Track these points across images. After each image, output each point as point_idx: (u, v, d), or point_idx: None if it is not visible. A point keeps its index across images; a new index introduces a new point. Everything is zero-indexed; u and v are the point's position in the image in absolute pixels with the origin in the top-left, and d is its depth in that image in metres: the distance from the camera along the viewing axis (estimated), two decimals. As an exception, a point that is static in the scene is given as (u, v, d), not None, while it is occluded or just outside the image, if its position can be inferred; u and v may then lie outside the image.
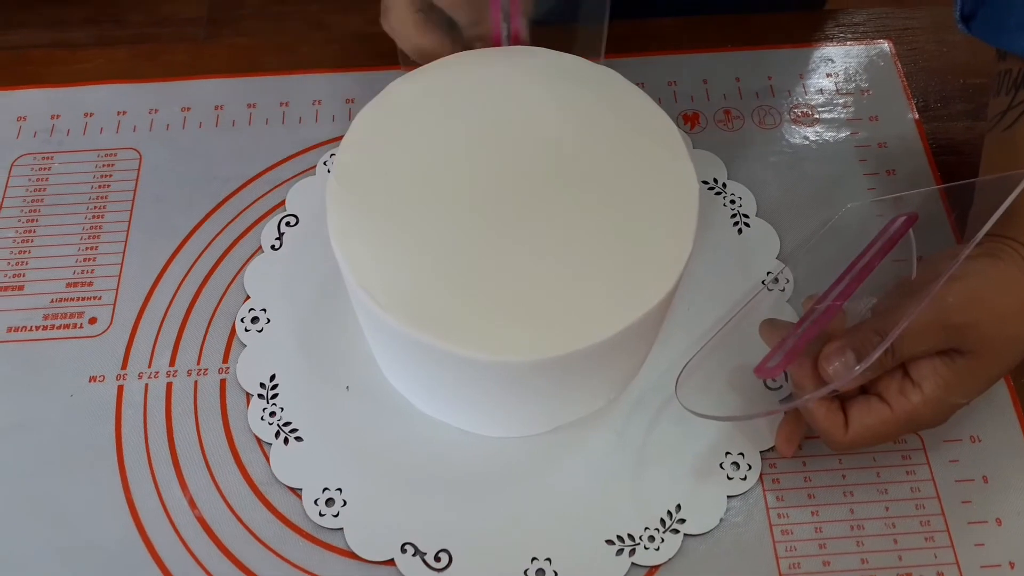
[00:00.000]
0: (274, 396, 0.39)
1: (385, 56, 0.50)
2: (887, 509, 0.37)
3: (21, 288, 0.43)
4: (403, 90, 0.37)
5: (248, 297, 0.42)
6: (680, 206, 0.34)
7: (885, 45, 0.50)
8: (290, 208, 0.44)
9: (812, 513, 0.37)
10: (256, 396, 0.39)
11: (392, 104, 0.36)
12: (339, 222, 0.33)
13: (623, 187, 0.34)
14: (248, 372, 0.40)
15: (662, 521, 0.37)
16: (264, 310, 0.41)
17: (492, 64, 0.37)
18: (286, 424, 0.39)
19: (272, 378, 0.40)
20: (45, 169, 0.46)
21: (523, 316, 0.31)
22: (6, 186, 0.46)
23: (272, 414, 0.39)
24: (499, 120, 0.36)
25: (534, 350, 0.31)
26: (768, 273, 0.43)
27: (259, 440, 0.39)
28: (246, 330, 0.41)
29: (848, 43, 0.50)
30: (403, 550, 0.36)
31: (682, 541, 0.36)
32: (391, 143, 0.35)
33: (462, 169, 0.34)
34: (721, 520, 0.37)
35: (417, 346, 0.31)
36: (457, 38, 0.38)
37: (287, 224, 0.44)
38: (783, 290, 0.42)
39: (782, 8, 0.51)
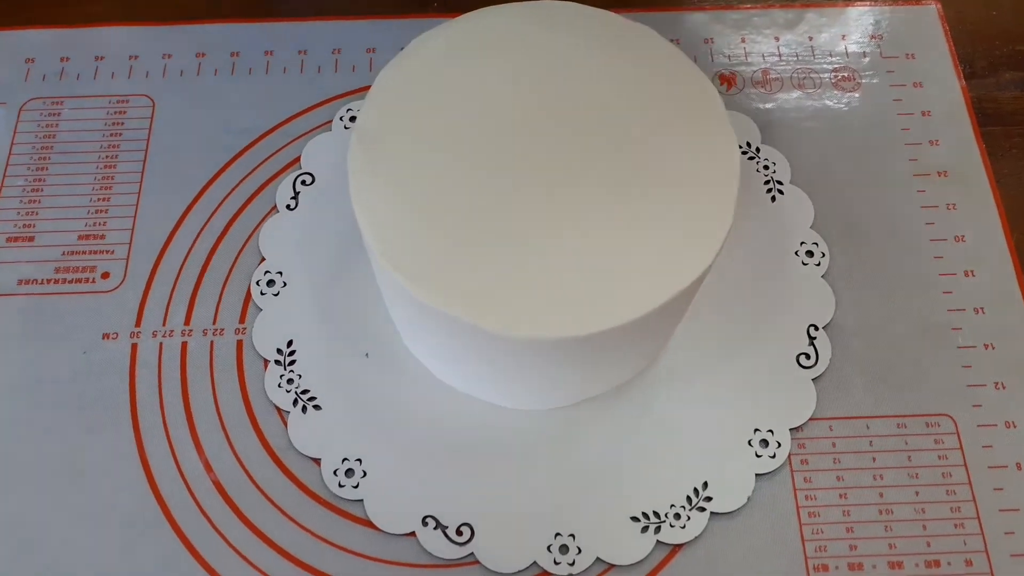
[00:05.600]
0: (291, 363, 0.38)
1: (408, 4, 0.48)
2: (917, 494, 0.36)
3: (32, 239, 0.42)
4: (427, 47, 0.35)
5: (263, 259, 0.41)
6: (719, 176, 0.32)
7: (933, 7, 0.47)
8: (305, 166, 0.43)
9: (840, 495, 0.36)
10: (273, 362, 0.38)
11: (416, 62, 0.34)
12: (362, 190, 0.31)
13: (659, 154, 0.32)
14: (264, 337, 0.39)
15: (688, 499, 0.36)
16: (280, 273, 0.40)
17: (520, 19, 0.35)
18: (304, 392, 0.38)
19: (289, 344, 0.39)
20: (55, 115, 0.45)
21: (554, 291, 0.30)
22: (15, 131, 0.44)
23: (290, 381, 0.38)
24: (529, 80, 0.34)
25: (565, 327, 0.30)
26: (802, 243, 0.41)
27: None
28: (262, 293, 0.40)
29: (894, 3, 0.48)
30: (424, 523, 0.35)
31: (708, 519, 0.36)
32: (415, 104, 0.33)
33: (489, 133, 0.33)
34: (748, 499, 0.36)
35: (442, 320, 0.30)
36: None
37: (302, 183, 0.42)
38: (818, 264, 0.41)
39: None
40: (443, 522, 0.35)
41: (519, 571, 0.35)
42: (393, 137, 0.33)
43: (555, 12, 0.35)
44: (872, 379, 0.39)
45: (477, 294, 0.30)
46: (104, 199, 0.43)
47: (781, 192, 0.42)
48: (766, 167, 0.43)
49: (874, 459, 0.37)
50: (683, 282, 0.30)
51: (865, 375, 0.39)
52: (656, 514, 0.36)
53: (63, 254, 0.41)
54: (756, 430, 0.37)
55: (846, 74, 0.45)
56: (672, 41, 0.46)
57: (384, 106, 0.33)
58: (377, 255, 0.31)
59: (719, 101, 0.33)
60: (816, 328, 0.39)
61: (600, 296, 0.30)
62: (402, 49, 0.46)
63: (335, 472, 0.36)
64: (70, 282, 0.41)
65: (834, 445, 0.37)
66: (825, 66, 0.46)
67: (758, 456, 0.37)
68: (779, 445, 0.37)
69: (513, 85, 0.34)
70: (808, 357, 0.39)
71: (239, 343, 0.39)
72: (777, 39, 0.46)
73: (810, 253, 0.41)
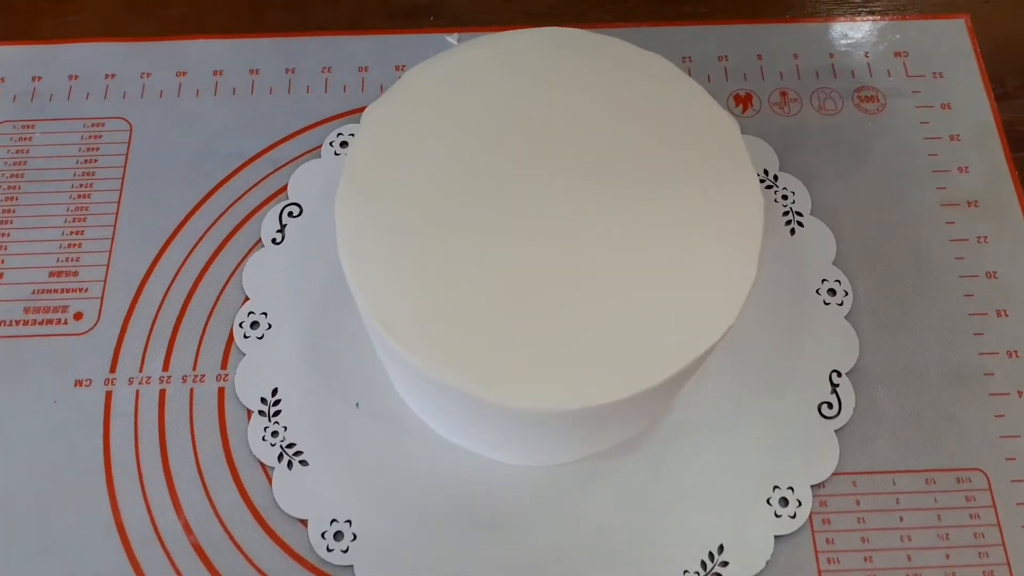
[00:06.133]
0: (276, 413, 0.36)
1: (403, 18, 0.45)
2: (947, 556, 0.34)
3: (0, 276, 0.39)
4: (423, 79, 0.32)
5: (247, 298, 0.38)
6: (740, 225, 0.29)
7: (962, 21, 0.44)
8: (292, 196, 0.40)
9: (865, 559, 0.34)
10: (257, 413, 0.36)
11: (410, 95, 0.32)
12: (351, 242, 0.29)
13: (674, 201, 0.30)
14: (248, 385, 0.36)
15: (703, 564, 0.33)
16: (265, 314, 0.38)
17: (523, 48, 0.33)
18: (290, 446, 0.35)
19: (274, 392, 0.36)
20: (26, 139, 0.42)
21: (559, 356, 0.27)
22: (-16, 157, 0.41)
23: (274, 434, 0.35)
24: (533, 116, 0.31)
25: (571, 399, 0.27)
26: (823, 281, 0.38)
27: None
28: (245, 336, 0.37)
29: (920, 18, 0.45)
30: (418, 592, 0.33)
31: (723, 587, 0.33)
32: (410, 143, 0.31)
33: (491, 176, 0.30)
34: (767, 564, 0.34)
35: (440, 385, 0.28)
36: None
37: (289, 214, 0.40)
38: (840, 303, 0.38)
39: None
40: (439, 591, 0.33)
41: (521, 644, 0.32)
42: (386, 182, 0.30)
43: (561, 40, 0.33)
44: (898, 430, 0.36)
45: (477, 360, 0.27)
46: (77, 232, 0.40)
47: (801, 224, 0.40)
48: (784, 196, 0.40)
49: (901, 518, 0.35)
50: (699, 347, 0.27)
51: (891, 426, 0.36)
52: (668, 581, 0.33)
53: (33, 292, 0.38)
54: (775, 487, 0.35)
55: (869, 94, 0.42)
56: (684, 59, 0.43)
57: (375, 146, 0.30)
58: (369, 316, 0.28)
59: (740, 141, 0.31)
60: (839, 374, 0.37)
61: (609, 363, 0.27)
62: (396, 69, 0.43)
63: (323, 535, 0.34)
64: (40, 323, 0.38)
65: (858, 503, 0.35)
66: (846, 85, 0.43)
67: (777, 516, 0.34)
68: (799, 503, 0.34)
69: (516, 122, 0.31)
70: (830, 406, 0.36)
71: (220, 391, 0.37)
72: (796, 56, 0.43)
73: (832, 291, 0.38)
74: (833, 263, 0.39)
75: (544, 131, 0.31)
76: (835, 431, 0.36)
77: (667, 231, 0.29)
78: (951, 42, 0.44)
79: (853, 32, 0.44)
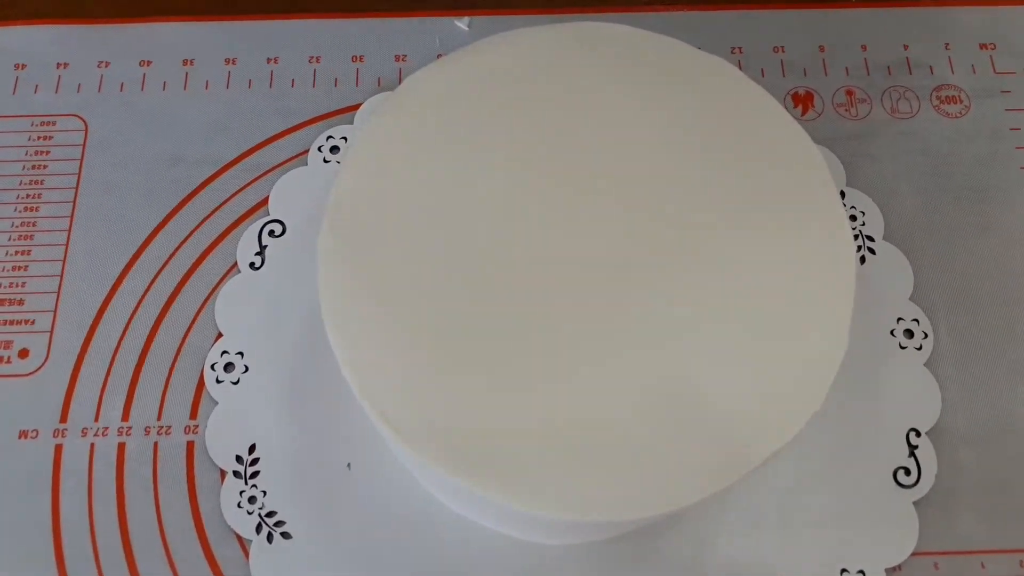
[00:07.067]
0: (254, 474, 0.30)
1: (404, -1, 0.39)
2: (1049, 658, 0.29)
3: (-67, 304, 0.33)
4: (426, 88, 0.26)
5: (220, 335, 0.32)
6: (826, 278, 0.24)
7: (1059, 5, 0.38)
8: (274, 211, 0.34)
9: (950, 660, 0.29)
10: (231, 474, 0.30)
11: (410, 109, 0.26)
12: (336, 302, 0.23)
13: (744, 252, 0.24)
14: (221, 441, 0.31)
15: (757, 666, 0.28)
16: (241, 354, 0.32)
17: (550, 49, 0.27)
18: (270, 514, 0.30)
19: (252, 449, 0.31)
20: (-35, 140, 0.36)
21: (595, 454, 0.22)
22: (-83, 161, 0.36)
23: (252, 499, 0.30)
24: (563, 136, 0.25)
25: (600, 510, 0.22)
26: (899, 320, 0.33)
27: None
28: (218, 381, 0.32)
29: (1011, 2, 0.38)
30: None
31: None
32: (409, 171, 0.25)
33: (513, 218, 0.24)
34: (833, 666, 0.28)
35: (450, 483, 0.22)
36: None
37: (270, 234, 0.34)
38: (919, 347, 0.32)
39: None
40: None
41: None
42: (380, 221, 0.24)
43: (596, 38, 0.27)
44: (988, 502, 0.31)
45: (489, 454, 0.22)
46: (23, 252, 0.34)
47: (872, 251, 0.34)
48: (853, 218, 0.34)
49: (992, 610, 0.29)
50: (769, 445, 0.22)
51: (980, 496, 0.31)
52: None
53: (-29, 325, 0.33)
54: (843, 571, 0.29)
55: (951, 94, 0.36)
56: (733, 50, 0.37)
57: (367, 180, 0.25)
58: (358, 396, 0.22)
59: (826, 171, 0.25)
60: (918, 434, 0.31)
61: (655, 464, 0.22)
62: (396, 59, 0.37)
63: (308, 626, 0.29)
64: (-21, 362, 0.32)
65: (941, 591, 0.30)
66: (924, 83, 0.37)
67: (846, 607, 0.29)
68: (872, 591, 0.29)
69: (542, 144, 0.25)
70: (908, 473, 0.31)
71: (189, 445, 0.31)
72: (864, 48, 0.37)
73: (909, 333, 0.33)
74: (910, 298, 0.33)
75: (581, 158, 0.25)
76: (913, 503, 0.30)
77: (732, 292, 0.24)
78: (1045, 31, 0.38)
79: (931, 19, 0.38)
